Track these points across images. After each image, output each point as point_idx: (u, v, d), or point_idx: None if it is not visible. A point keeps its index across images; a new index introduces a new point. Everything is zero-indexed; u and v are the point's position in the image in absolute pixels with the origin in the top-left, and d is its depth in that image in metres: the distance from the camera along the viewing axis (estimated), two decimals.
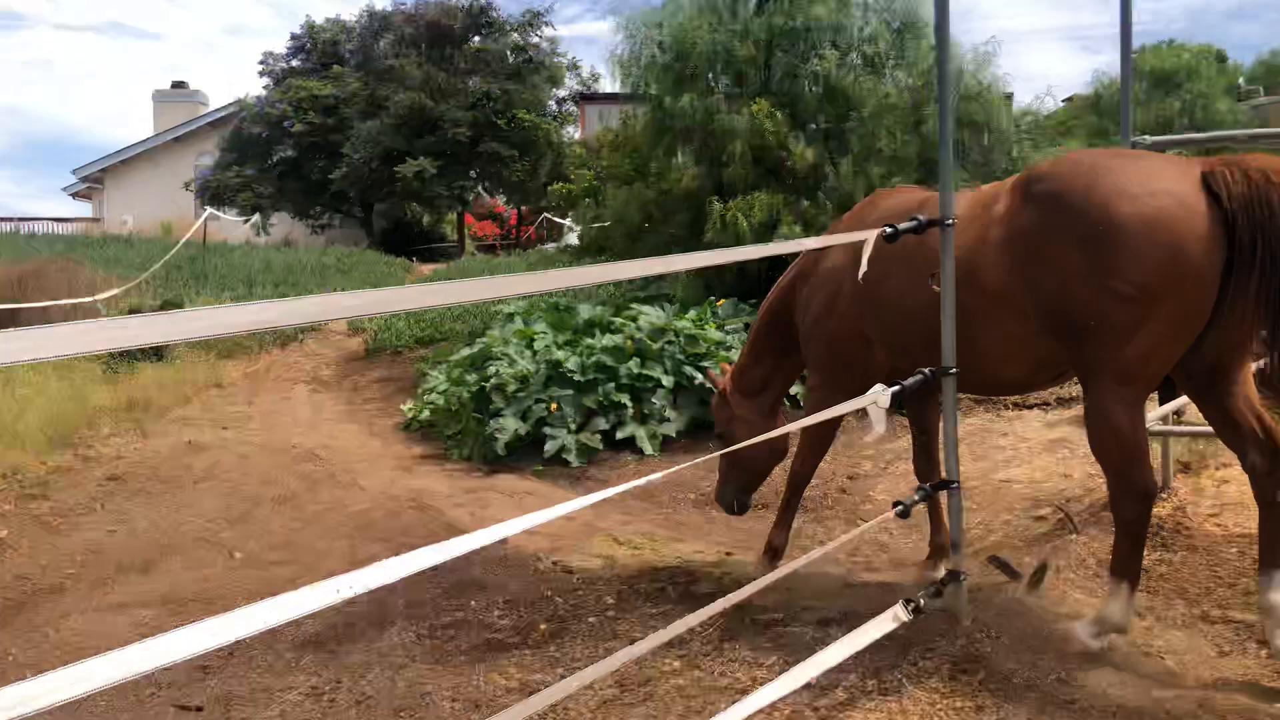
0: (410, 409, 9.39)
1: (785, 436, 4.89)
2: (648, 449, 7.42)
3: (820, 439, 4.71)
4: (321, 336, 14.35)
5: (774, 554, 4.79)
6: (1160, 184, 3.21)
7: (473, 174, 25.91)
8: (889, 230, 3.49)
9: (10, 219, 32.26)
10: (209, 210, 21.57)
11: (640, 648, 2.70)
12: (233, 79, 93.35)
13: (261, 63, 30.01)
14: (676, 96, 10.12)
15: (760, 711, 3.15)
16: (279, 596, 1.98)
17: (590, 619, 4.51)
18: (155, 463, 7.91)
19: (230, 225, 26.62)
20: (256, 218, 25.53)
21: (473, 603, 4.87)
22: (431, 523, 6.31)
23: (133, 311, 12.45)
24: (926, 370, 3.63)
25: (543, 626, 4.48)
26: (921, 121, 9.71)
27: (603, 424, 7.55)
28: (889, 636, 3.49)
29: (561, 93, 28.17)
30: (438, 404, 8.74)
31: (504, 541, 5.95)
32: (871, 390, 3.43)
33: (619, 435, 7.49)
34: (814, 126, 10.27)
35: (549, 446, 7.44)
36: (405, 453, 8.48)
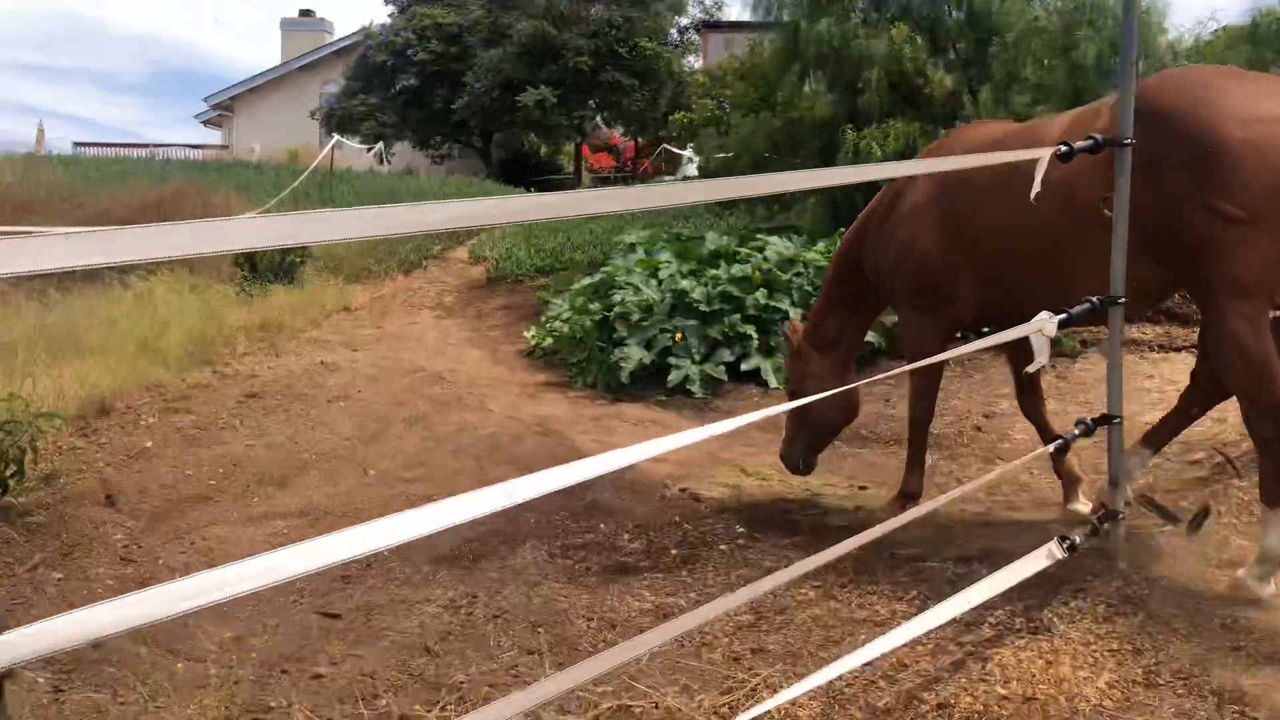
0: (533, 336, 9.46)
1: (857, 394, 4.88)
2: (773, 381, 7.30)
3: (930, 376, 4.52)
4: (444, 264, 14.57)
5: (909, 499, 4.64)
6: (1269, 107, 3.21)
7: (591, 104, 25.75)
8: (1064, 149, 3.24)
9: (145, 145, 33.70)
10: (336, 138, 21.94)
11: (788, 574, 2.62)
12: (359, 6, 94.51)
13: None
14: (813, 21, 9.75)
15: (904, 645, 3.04)
16: (452, 499, 1.96)
17: (721, 546, 4.46)
18: (289, 381, 8.15)
19: (354, 153, 27.13)
20: (380, 146, 25.97)
21: (602, 526, 4.88)
22: (558, 447, 6.35)
23: None
24: (1094, 299, 3.40)
25: (673, 552, 4.46)
26: (1072, 47, 9.13)
27: (727, 355, 7.45)
28: (1038, 575, 3.32)
29: (684, 20, 27.63)
30: (561, 332, 8.76)
31: (631, 467, 5.97)
32: (1036, 318, 3.23)
33: (744, 367, 7.38)
34: (954, 53, 9.79)
35: (673, 376, 7.38)
36: (529, 379, 8.55)
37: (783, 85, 10.92)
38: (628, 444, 6.51)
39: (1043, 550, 3.28)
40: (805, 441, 5.06)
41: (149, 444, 6.50)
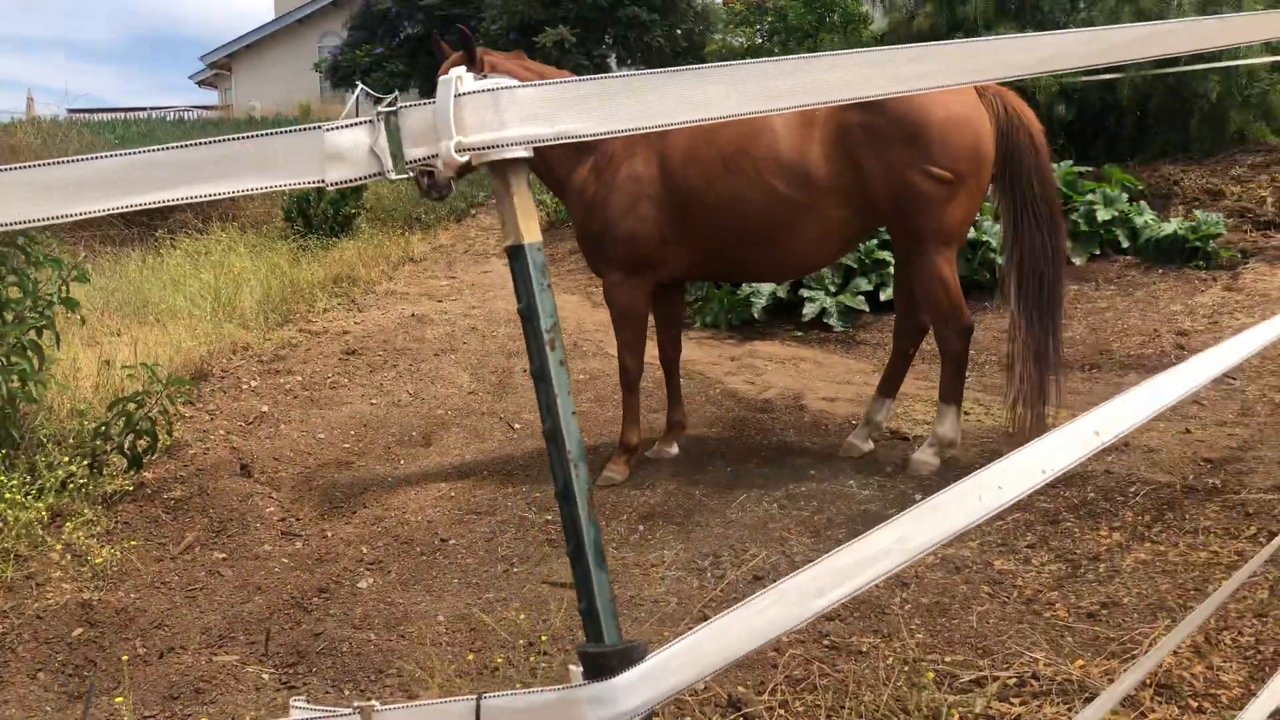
0: None
1: None
2: None
3: (639, 333, 4.76)
4: (491, 211, 13.97)
5: (629, 451, 4.71)
6: (960, 94, 4.05)
7: (608, 40, 24.85)
8: None
9: (143, 108, 32.65)
10: (360, 87, 21.16)
11: None
12: None
13: None
14: None
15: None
16: (1036, 443, 1.48)
17: None
18: (385, 336, 7.65)
19: (365, 106, 26.28)
20: (395, 95, 25.10)
21: (813, 471, 4.41)
22: (711, 389, 5.87)
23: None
24: None
25: (917, 497, 4.00)
26: None
27: (864, 284, 6.93)
28: None
29: None
30: None
31: (802, 407, 5.49)
32: None
33: (883, 296, 6.87)
34: None
35: (808, 310, 6.87)
36: None
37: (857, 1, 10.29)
38: (784, 383, 6.04)
39: None
40: None
41: (265, 408, 6.01)
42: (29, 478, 4.42)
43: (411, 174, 1.11)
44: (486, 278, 9.98)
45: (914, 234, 4.12)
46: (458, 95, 1.07)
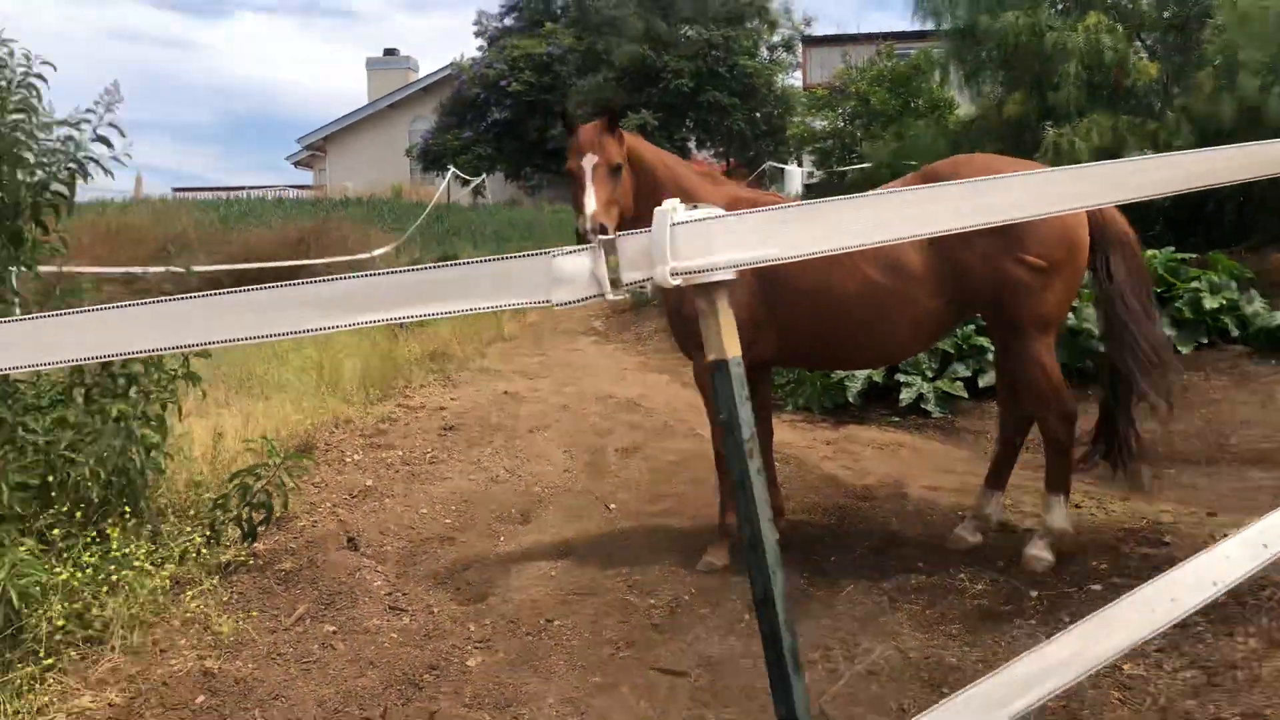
0: None
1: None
2: None
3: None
4: None
5: (726, 534, 4.71)
6: None
7: (689, 124, 25.38)
8: None
9: (240, 188, 34.16)
10: (451, 170, 21.90)
11: None
12: (442, 44, 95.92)
13: (476, 24, 30.40)
14: (994, 16, 9.17)
15: None
16: (1206, 555, 1.48)
17: (1093, 586, 3.90)
18: (480, 412, 7.80)
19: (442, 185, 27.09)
20: (483, 178, 25.92)
21: (921, 563, 4.36)
22: (808, 474, 5.85)
23: (414, 263, 12.65)
24: None
25: (1032, 594, 3.92)
26: None
27: (962, 370, 6.89)
28: None
29: (775, 38, 27.14)
30: None
31: (904, 494, 5.43)
32: None
33: (981, 382, 6.81)
34: (1152, 39, 9.15)
35: (905, 395, 6.84)
36: None
37: (934, 88, 10.39)
38: (883, 470, 6.00)
39: None
40: None
41: (369, 482, 6.16)
42: (152, 546, 4.59)
43: (627, 294, 1.19)
44: (575, 355, 10.14)
45: (1011, 322, 4.15)
46: (673, 225, 1.15)
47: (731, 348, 1.18)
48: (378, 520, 5.50)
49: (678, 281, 1.14)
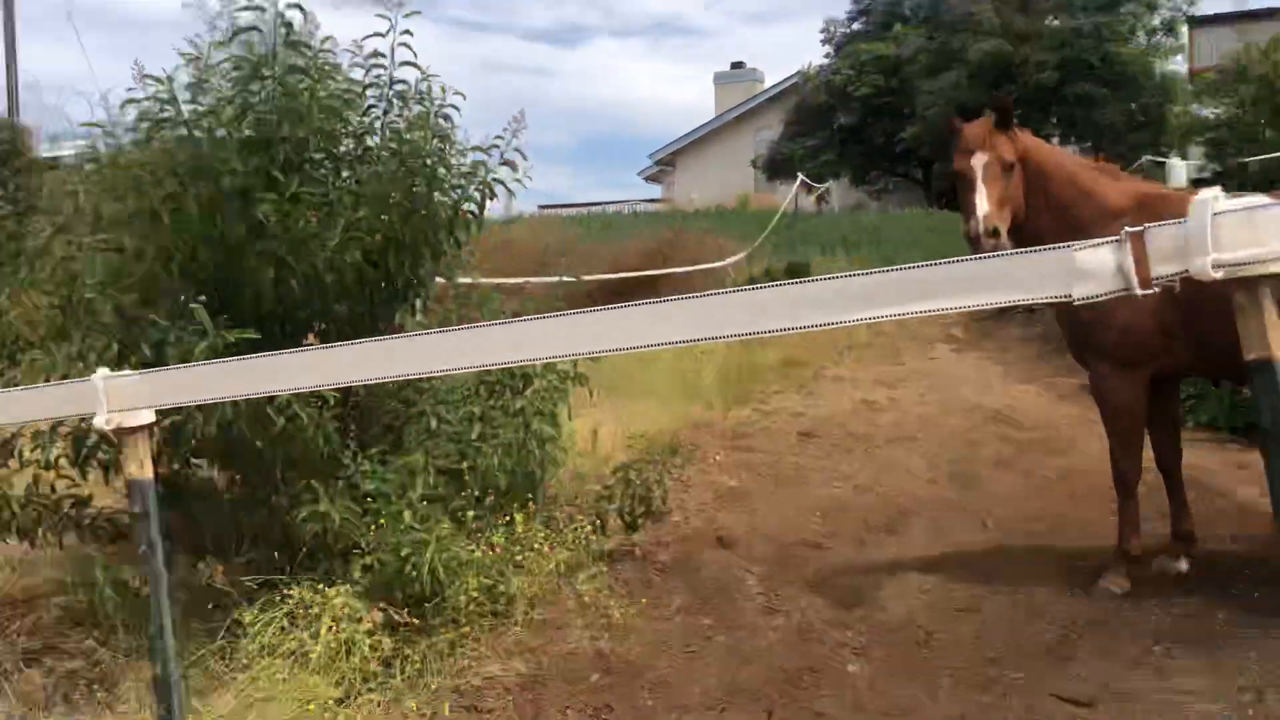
0: None
1: None
2: None
3: (1135, 430, 4.41)
4: None
5: (1125, 558, 4.34)
6: None
7: (1053, 119, 23.75)
8: None
9: (599, 203, 36.47)
10: (800, 178, 22.11)
11: None
12: (787, 54, 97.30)
13: (823, 31, 30.42)
14: None
15: None
16: None
17: None
18: (838, 420, 7.76)
19: (786, 193, 27.24)
20: (830, 185, 25.88)
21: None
22: (1217, 499, 5.28)
23: (768, 274, 12.88)
24: None
25: None
26: None
27: None
28: None
29: (1155, 20, 24.69)
30: None
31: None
32: None
33: None
34: None
35: None
36: None
37: None
38: None
39: None
40: None
41: (733, 483, 6.31)
42: (547, 531, 4.99)
43: (1157, 290, 1.11)
44: (934, 364, 9.82)
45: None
46: (1215, 214, 1.06)
47: (1278, 347, 1.07)
48: (746, 521, 5.62)
49: (1219, 274, 1.05)
